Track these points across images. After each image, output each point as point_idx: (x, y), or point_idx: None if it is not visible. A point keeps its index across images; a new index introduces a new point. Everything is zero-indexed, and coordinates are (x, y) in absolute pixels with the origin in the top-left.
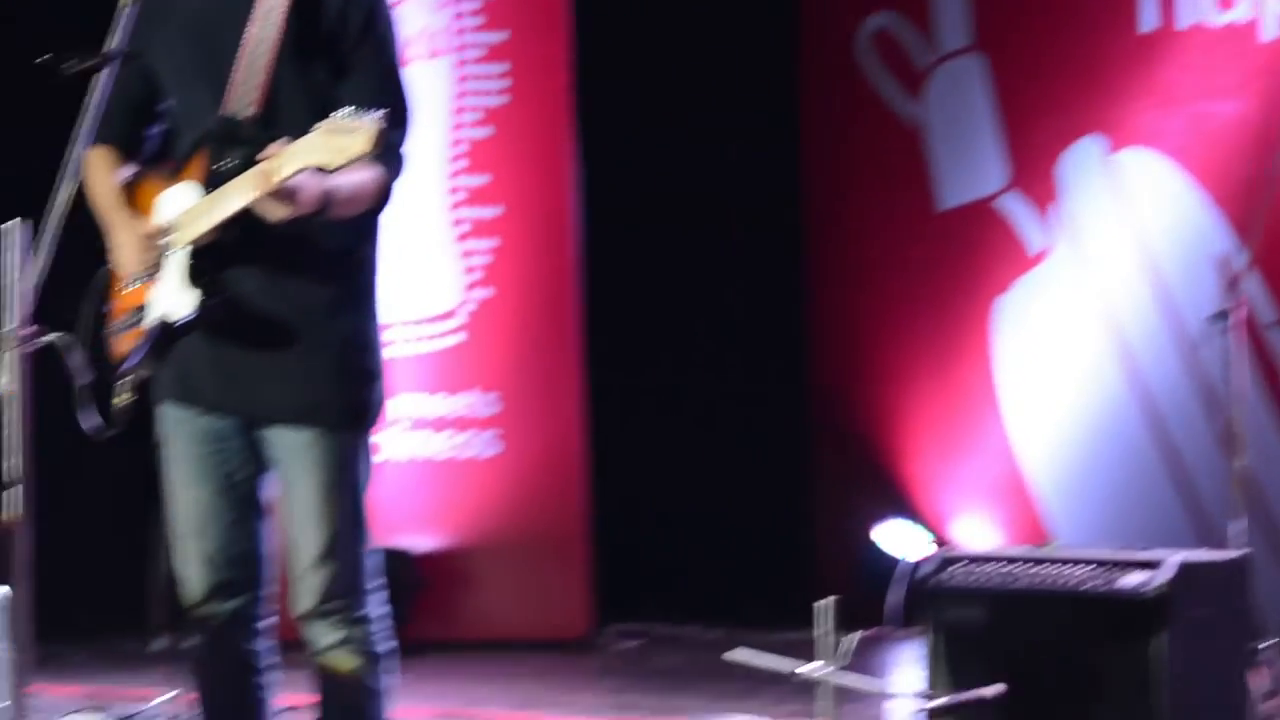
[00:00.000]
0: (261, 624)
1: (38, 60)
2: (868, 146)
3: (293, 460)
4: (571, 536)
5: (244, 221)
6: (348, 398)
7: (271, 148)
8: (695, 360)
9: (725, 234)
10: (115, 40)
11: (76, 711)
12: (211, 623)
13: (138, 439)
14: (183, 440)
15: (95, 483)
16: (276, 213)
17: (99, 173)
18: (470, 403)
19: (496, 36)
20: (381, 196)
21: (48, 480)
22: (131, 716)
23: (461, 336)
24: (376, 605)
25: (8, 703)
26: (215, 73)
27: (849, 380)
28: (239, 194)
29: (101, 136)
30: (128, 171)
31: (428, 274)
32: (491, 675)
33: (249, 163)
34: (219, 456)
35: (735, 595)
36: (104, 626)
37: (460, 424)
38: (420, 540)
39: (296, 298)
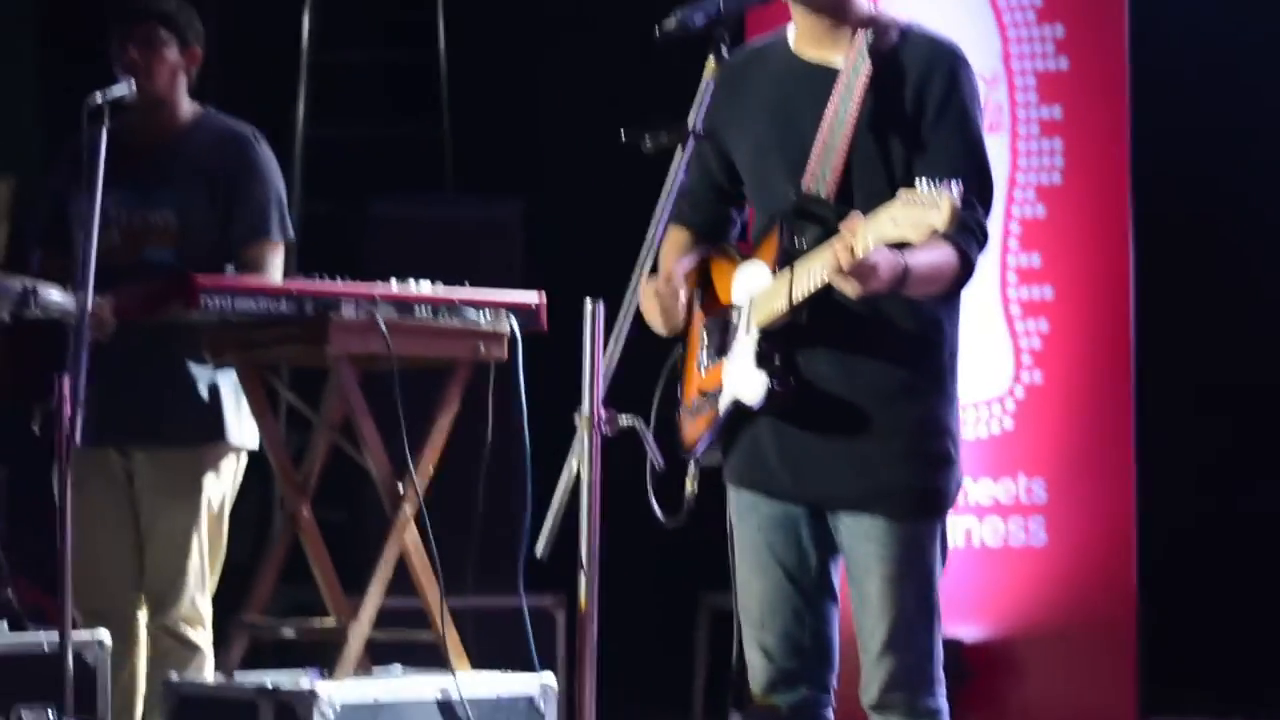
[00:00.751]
0: (826, 712)
1: (621, 136)
2: None
3: (862, 547)
4: (1119, 629)
5: (817, 301)
6: (921, 484)
7: (848, 221)
8: (1252, 447)
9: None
10: (694, 117)
11: None
12: (775, 713)
13: (704, 524)
14: (751, 526)
15: (642, 566)
16: (852, 289)
17: (675, 252)
18: (1015, 489)
19: (1051, 112)
20: (961, 275)
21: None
22: None
23: (1009, 422)
24: (944, 697)
25: None
26: (791, 151)
27: None
28: (813, 270)
29: (678, 215)
30: (703, 251)
31: (980, 356)
32: None
33: (822, 241)
34: (787, 543)
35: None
36: (648, 713)
37: (1005, 510)
38: (966, 629)
39: (870, 380)
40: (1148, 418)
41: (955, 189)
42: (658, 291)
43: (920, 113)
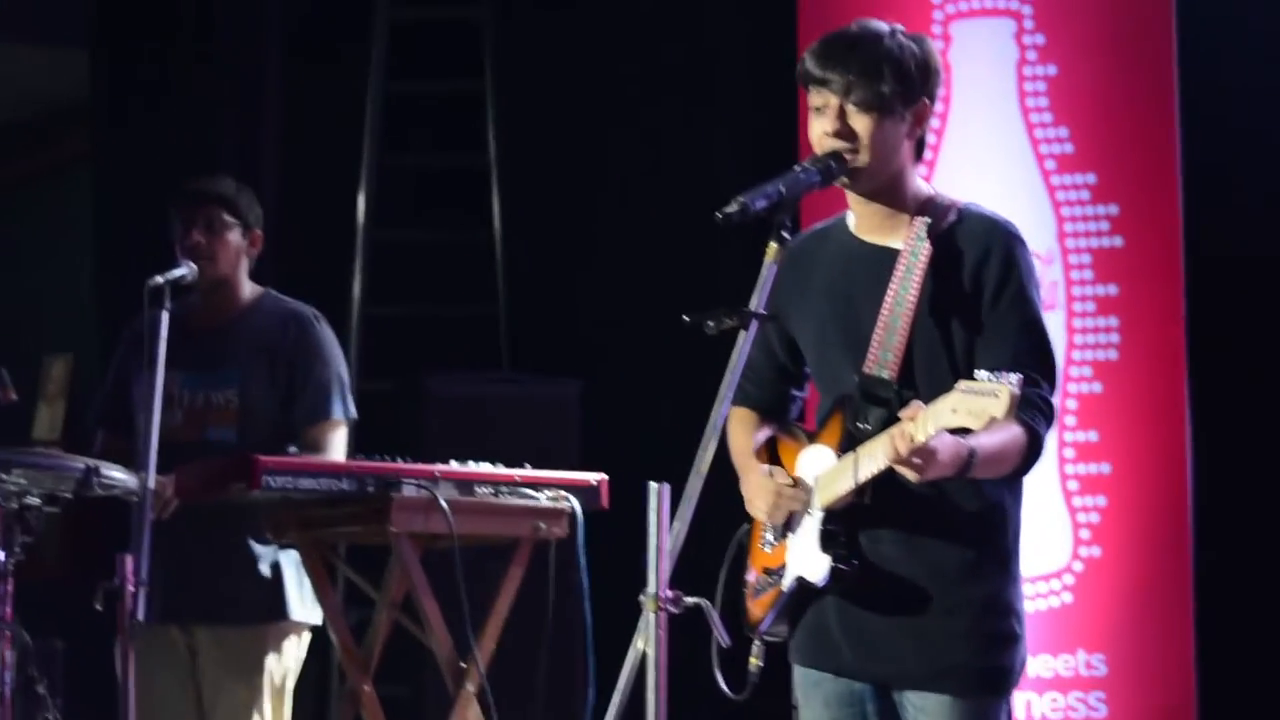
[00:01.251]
0: None
1: (684, 319)
2: None
3: None
4: None
5: (881, 482)
6: (986, 663)
7: (909, 409)
8: None
9: None
10: (757, 300)
11: None
12: None
13: (769, 700)
14: (817, 703)
15: None
16: (913, 476)
17: (739, 431)
18: (1075, 663)
19: (1107, 290)
20: (1026, 456)
21: None
22: None
23: (1069, 596)
24: None
25: None
26: (853, 333)
27: None
28: (875, 456)
29: (742, 396)
30: (767, 431)
31: (1038, 532)
32: None
33: (885, 424)
34: None
35: None
36: None
37: (1065, 685)
38: None
39: (934, 560)
40: (1206, 592)
41: (1014, 379)
42: (779, 492)
43: (979, 293)
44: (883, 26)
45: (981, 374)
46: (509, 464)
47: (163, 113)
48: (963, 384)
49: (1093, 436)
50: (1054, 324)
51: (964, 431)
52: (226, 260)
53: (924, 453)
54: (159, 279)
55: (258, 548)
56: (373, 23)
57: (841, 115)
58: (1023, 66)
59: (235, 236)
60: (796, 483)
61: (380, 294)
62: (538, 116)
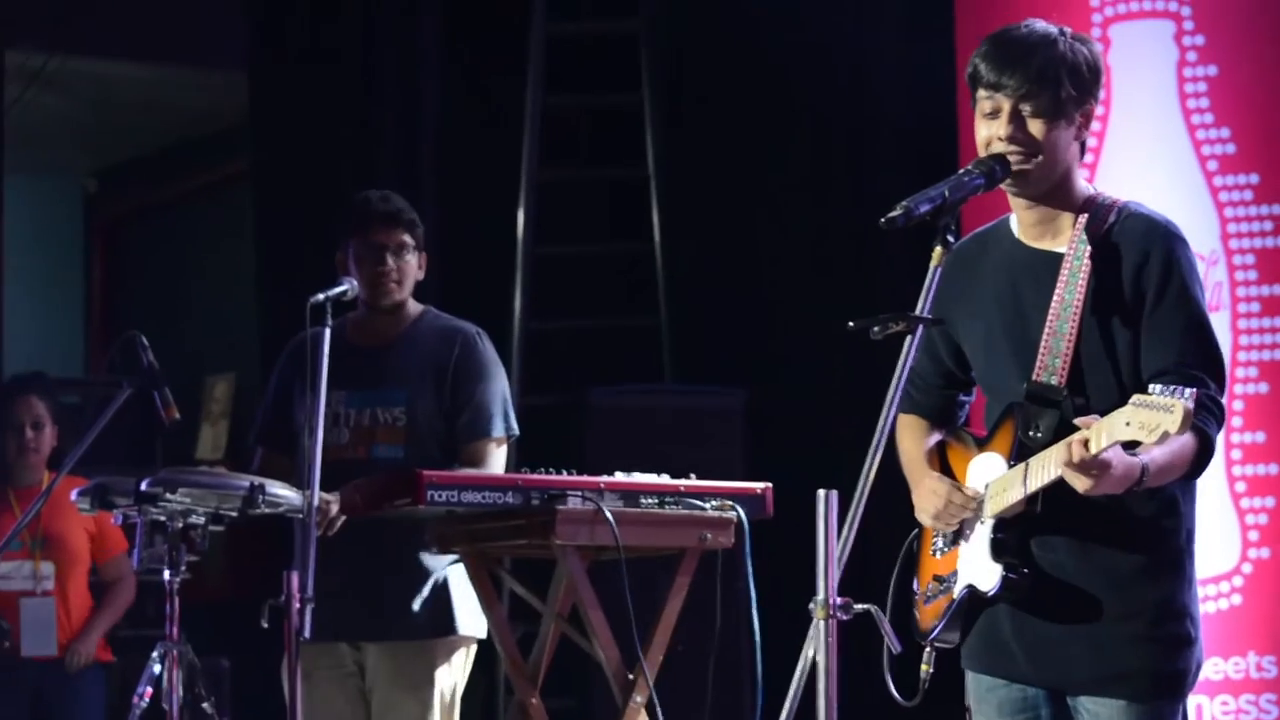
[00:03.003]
0: None
1: (848, 325)
2: None
3: None
4: None
5: (1050, 491)
6: (1161, 666)
7: (1084, 419)
8: None
9: None
10: (923, 304)
11: None
12: None
13: (940, 707)
14: (991, 709)
15: None
16: (1082, 485)
17: (909, 438)
18: (1245, 666)
19: (1273, 290)
20: (1196, 461)
21: None
22: None
23: (1238, 599)
24: None
25: None
26: (1021, 339)
27: None
28: (1047, 466)
29: (910, 404)
30: (936, 438)
31: (1207, 534)
32: None
33: (1056, 432)
34: None
35: None
36: None
37: (1236, 688)
38: None
39: (1105, 566)
40: None
41: (1189, 393)
42: (949, 499)
43: (1140, 295)
44: (1053, 29)
45: (1155, 388)
46: (674, 475)
47: (322, 133)
48: (1137, 398)
49: (1260, 438)
50: (1219, 325)
51: (1135, 444)
52: (409, 285)
53: (1098, 464)
54: (321, 296)
55: (425, 563)
56: (529, 38)
57: (1016, 120)
58: (1183, 68)
59: (415, 259)
60: (969, 497)
61: (542, 309)
62: (695, 127)
